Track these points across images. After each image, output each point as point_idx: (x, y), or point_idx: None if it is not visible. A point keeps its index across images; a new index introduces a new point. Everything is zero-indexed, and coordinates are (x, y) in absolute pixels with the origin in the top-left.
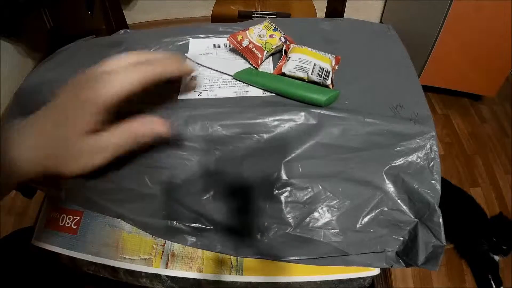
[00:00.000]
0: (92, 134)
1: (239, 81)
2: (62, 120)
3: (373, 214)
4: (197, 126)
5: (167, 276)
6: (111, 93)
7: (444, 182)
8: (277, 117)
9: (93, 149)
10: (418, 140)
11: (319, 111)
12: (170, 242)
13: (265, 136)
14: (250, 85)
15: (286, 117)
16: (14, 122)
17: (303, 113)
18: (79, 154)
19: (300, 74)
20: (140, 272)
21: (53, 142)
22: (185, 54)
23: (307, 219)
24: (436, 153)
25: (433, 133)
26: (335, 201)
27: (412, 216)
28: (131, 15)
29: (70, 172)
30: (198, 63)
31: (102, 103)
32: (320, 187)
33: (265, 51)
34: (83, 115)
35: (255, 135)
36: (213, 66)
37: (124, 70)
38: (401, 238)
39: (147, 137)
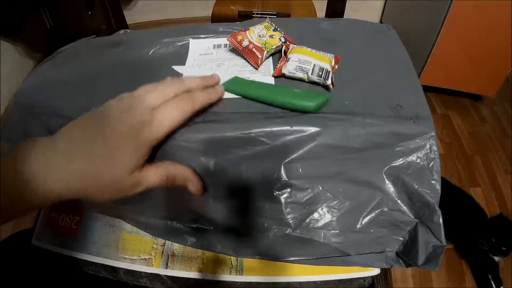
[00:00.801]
0: (135, 170)
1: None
2: (109, 157)
3: (373, 214)
4: (196, 130)
5: (167, 276)
6: (161, 134)
7: (444, 182)
8: (278, 128)
9: (134, 184)
10: (418, 140)
11: (318, 115)
12: (170, 242)
13: (266, 140)
14: (238, 95)
15: (288, 130)
16: (40, 140)
17: (304, 121)
18: (120, 188)
19: (300, 74)
20: (140, 272)
21: (98, 174)
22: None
23: (307, 220)
24: (436, 153)
25: (433, 133)
26: (335, 202)
27: (412, 216)
28: (131, 15)
29: (102, 200)
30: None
31: (152, 144)
32: (320, 187)
33: (265, 52)
34: (134, 156)
35: (255, 141)
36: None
37: (171, 106)
38: (401, 238)
39: (179, 185)
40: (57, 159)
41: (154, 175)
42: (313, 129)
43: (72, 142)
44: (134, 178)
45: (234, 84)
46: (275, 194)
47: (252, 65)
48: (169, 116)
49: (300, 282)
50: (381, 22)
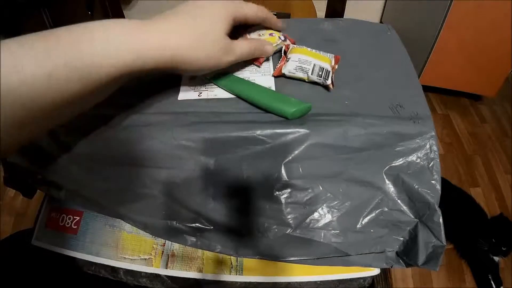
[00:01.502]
0: (227, 35)
1: (215, 84)
2: (206, 16)
3: (373, 214)
4: (197, 129)
5: (167, 276)
6: (244, 11)
7: (444, 182)
8: (279, 127)
9: (228, 49)
10: (418, 140)
11: (319, 115)
12: (170, 242)
13: (267, 140)
14: (224, 89)
15: (288, 130)
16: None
17: (304, 121)
18: (215, 49)
19: (300, 74)
20: (140, 272)
21: (195, 26)
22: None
23: (307, 220)
24: (436, 153)
25: (433, 133)
26: (335, 202)
27: (412, 216)
28: (131, 15)
29: (197, 67)
30: None
31: (234, 17)
32: (321, 187)
33: None
34: (224, 22)
35: (256, 141)
36: None
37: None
38: (401, 238)
39: (260, 54)
40: (154, 21)
41: (243, 44)
42: (313, 129)
43: (178, 14)
44: (228, 43)
45: (225, 79)
46: (275, 194)
47: (253, 64)
48: (250, 4)
49: (300, 282)
50: (381, 22)
